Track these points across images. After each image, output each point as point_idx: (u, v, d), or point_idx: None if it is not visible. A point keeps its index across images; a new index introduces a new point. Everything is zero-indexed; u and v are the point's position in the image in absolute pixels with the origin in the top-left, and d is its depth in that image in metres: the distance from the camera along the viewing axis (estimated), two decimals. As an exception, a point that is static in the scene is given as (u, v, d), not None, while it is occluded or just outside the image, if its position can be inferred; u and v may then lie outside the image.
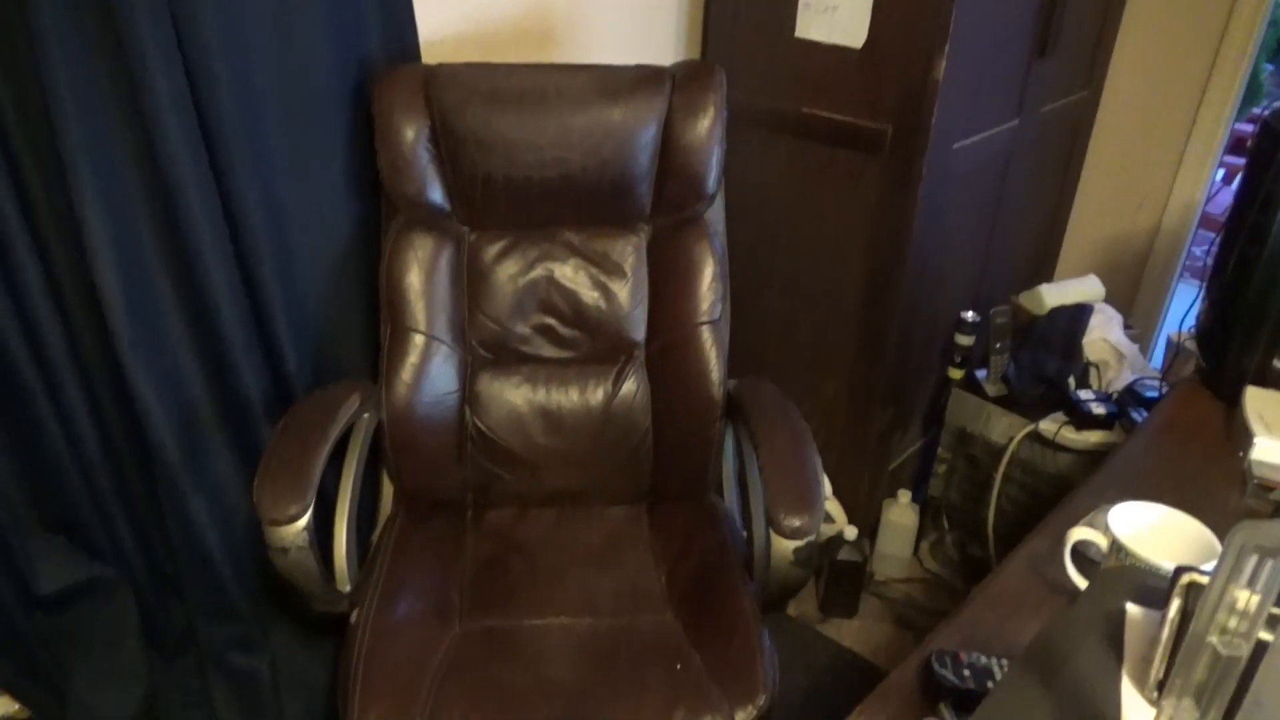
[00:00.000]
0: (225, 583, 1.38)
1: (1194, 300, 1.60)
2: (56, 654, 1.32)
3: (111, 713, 1.32)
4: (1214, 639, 0.42)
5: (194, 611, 1.41)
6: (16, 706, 1.30)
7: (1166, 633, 0.54)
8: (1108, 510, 0.97)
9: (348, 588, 1.28)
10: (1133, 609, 0.63)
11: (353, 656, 1.19)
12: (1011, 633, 0.95)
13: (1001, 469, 1.80)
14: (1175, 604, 0.54)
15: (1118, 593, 0.65)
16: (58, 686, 1.31)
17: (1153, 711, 0.55)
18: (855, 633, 1.91)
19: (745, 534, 1.42)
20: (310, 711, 1.51)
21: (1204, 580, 0.54)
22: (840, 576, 1.91)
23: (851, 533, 1.89)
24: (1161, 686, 0.54)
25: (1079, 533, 0.95)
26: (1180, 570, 0.58)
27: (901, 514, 1.98)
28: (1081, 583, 0.96)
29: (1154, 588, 0.65)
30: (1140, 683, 0.57)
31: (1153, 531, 0.93)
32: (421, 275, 1.45)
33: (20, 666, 1.28)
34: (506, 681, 1.21)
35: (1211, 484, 1.17)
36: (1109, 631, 0.61)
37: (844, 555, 1.88)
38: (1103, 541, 0.94)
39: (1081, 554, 1.01)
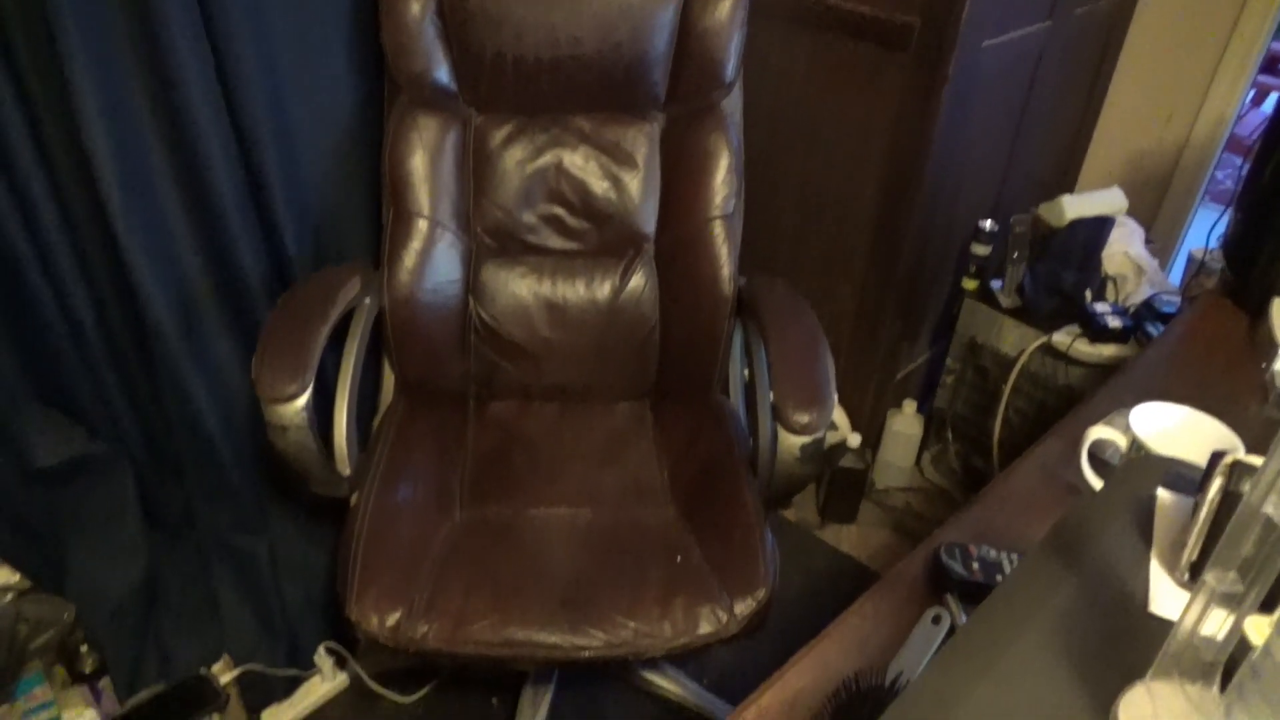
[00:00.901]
0: (225, 464, 1.37)
1: (1221, 214, 1.56)
2: (56, 528, 1.31)
3: (111, 587, 1.32)
4: (1271, 509, 0.39)
5: (194, 492, 1.40)
6: (18, 577, 1.30)
7: (1205, 513, 0.52)
8: (1127, 413, 0.94)
9: (348, 471, 1.26)
10: (1164, 494, 0.61)
11: (352, 538, 1.18)
12: (1022, 531, 0.93)
13: (1011, 381, 1.78)
14: (1216, 483, 0.52)
15: (1147, 479, 0.63)
16: (58, 560, 1.31)
17: (1183, 594, 0.53)
18: (853, 538, 1.92)
19: (751, 434, 1.40)
20: (309, 595, 1.52)
21: (1249, 459, 0.52)
22: (841, 483, 1.90)
23: (855, 440, 1.88)
24: (1195, 569, 0.53)
25: (1098, 431, 0.93)
26: (1218, 453, 0.55)
27: (906, 424, 1.97)
28: (1098, 483, 0.94)
29: (1186, 476, 0.63)
30: (1170, 566, 0.55)
31: (1174, 433, 0.91)
32: (426, 158, 1.40)
33: (20, 539, 1.28)
34: (505, 568, 1.20)
35: (1232, 394, 1.14)
36: (1137, 517, 0.59)
37: (846, 462, 1.88)
38: (1122, 441, 0.92)
39: (1098, 457, 0.99)
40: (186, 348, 1.29)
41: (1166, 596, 0.53)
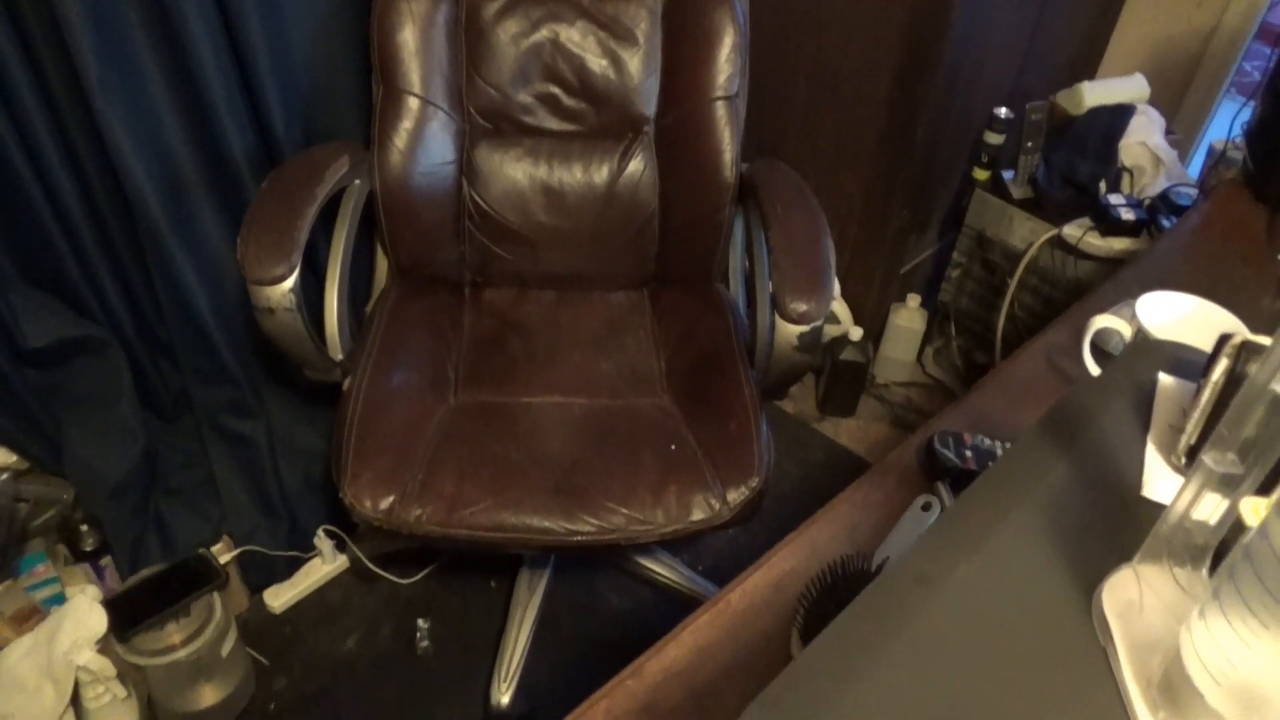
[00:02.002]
0: (217, 346, 1.35)
1: (1244, 104, 1.49)
2: (52, 409, 1.31)
3: (109, 468, 1.32)
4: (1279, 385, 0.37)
5: (187, 375, 1.39)
6: (15, 458, 1.31)
7: (1208, 395, 0.50)
8: (1133, 304, 0.91)
9: (340, 356, 1.25)
10: (1165, 378, 0.59)
11: (345, 422, 1.17)
12: (1019, 420, 0.92)
13: (1018, 275, 1.74)
14: (1223, 364, 0.50)
15: (1150, 363, 0.61)
16: (55, 441, 1.31)
17: (1177, 478, 0.51)
18: (851, 431, 1.92)
19: (749, 323, 1.38)
20: (308, 472, 1.53)
21: (1257, 339, 0.50)
22: (841, 376, 1.89)
23: (856, 334, 1.86)
24: (1192, 453, 0.51)
25: (1102, 320, 0.90)
26: (1226, 335, 0.53)
27: (909, 318, 1.94)
28: (1099, 373, 0.92)
29: (1190, 361, 0.60)
30: (1166, 450, 0.54)
31: (1182, 323, 0.88)
32: (415, 31, 1.33)
33: (16, 420, 1.27)
34: (499, 453, 1.20)
35: (1246, 285, 1.11)
36: (1136, 401, 0.57)
37: (847, 356, 1.86)
38: (1127, 331, 0.89)
39: (1101, 347, 0.96)
40: (173, 229, 1.26)
41: (1160, 480, 0.52)
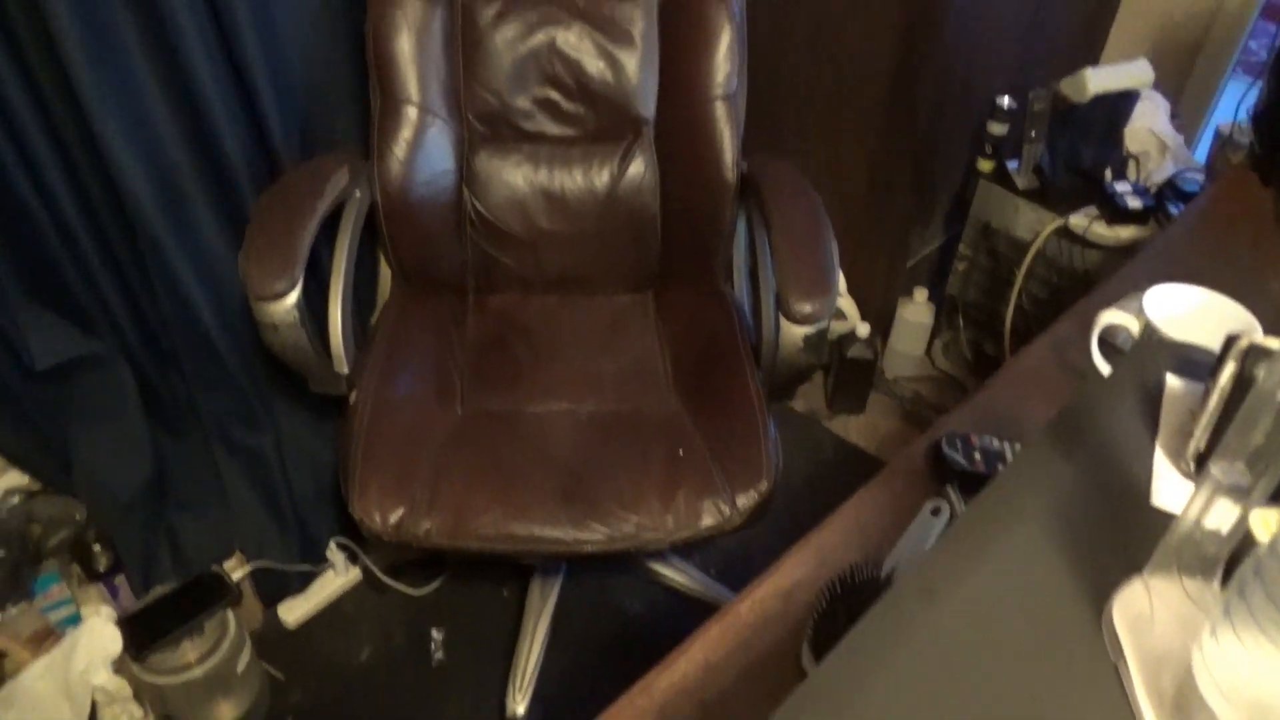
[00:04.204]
0: (223, 358, 1.35)
1: (1250, 85, 1.47)
2: (60, 427, 1.31)
3: (120, 483, 1.33)
4: (1287, 395, 0.36)
5: (195, 387, 1.39)
6: (27, 479, 1.31)
7: (1216, 399, 0.49)
8: (1141, 297, 0.90)
9: (345, 369, 1.25)
10: (1173, 380, 0.58)
11: (352, 436, 1.17)
12: (1028, 416, 0.91)
13: (1025, 265, 1.73)
14: (1230, 368, 0.49)
15: (1157, 364, 0.60)
16: (64, 458, 1.32)
17: (1186, 485, 0.51)
18: (861, 428, 1.91)
19: (754, 323, 1.37)
20: (318, 484, 1.53)
21: (1266, 342, 0.49)
22: (850, 373, 1.88)
23: (864, 330, 1.85)
24: (1201, 459, 0.50)
25: (1109, 315, 0.89)
26: (1233, 336, 0.52)
27: (916, 312, 1.93)
28: (1107, 370, 0.91)
29: (1197, 361, 0.60)
30: (1175, 456, 0.53)
31: (1191, 316, 0.87)
32: (411, 39, 1.33)
33: (25, 440, 1.28)
34: (507, 460, 1.20)
35: (1257, 271, 1.10)
36: (1144, 403, 0.56)
37: (854, 352, 1.85)
38: (1134, 326, 0.88)
39: (1109, 342, 0.95)
40: (173, 238, 1.26)
41: (1169, 488, 0.51)
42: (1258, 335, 0.78)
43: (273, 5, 1.24)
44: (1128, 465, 0.53)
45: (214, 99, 1.21)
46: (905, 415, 1.94)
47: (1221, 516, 0.42)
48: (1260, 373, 0.43)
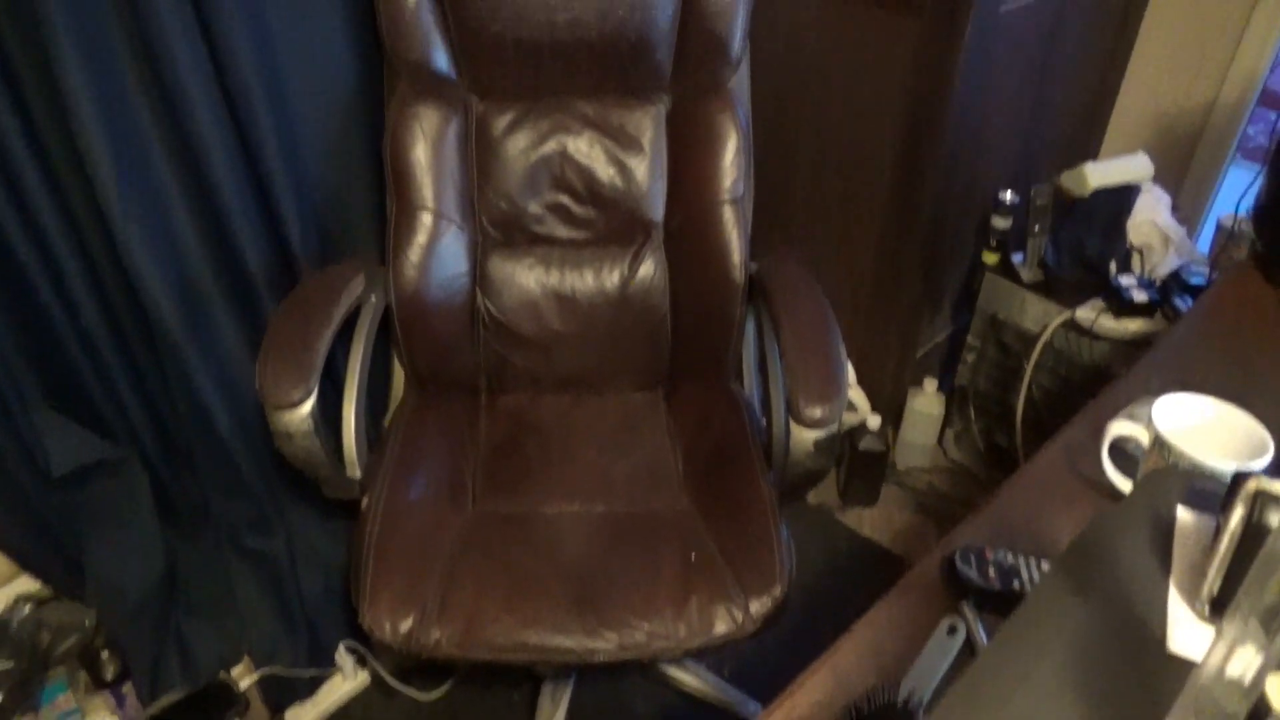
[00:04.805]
0: (237, 460, 1.36)
1: (1251, 182, 1.49)
2: (73, 530, 1.32)
3: (130, 586, 1.33)
4: (1294, 560, 0.36)
5: (208, 488, 1.40)
6: (38, 585, 1.31)
7: (1226, 544, 0.49)
8: (1150, 402, 0.91)
9: (358, 474, 1.25)
10: (1184, 513, 0.58)
11: (363, 542, 1.17)
12: (1042, 528, 0.90)
13: (1034, 357, 1.74)
14: (1238, 513, 0.49)
15: (1166, 494, 0.60)
16: (77, 563, 1.32)
17: (1205, 627, 0.50)
18: (875, 521, 1.90)
19: (765, 421, 1.37)
20: (329, 585, 1.52)
21: (1273, 488, 0.49)
22: (862, 465, 1.87)
23: (875, 422, 1.85)
24: (1215, 602, 0.50)
25: (1119, 426, 0.89)
26: (1242, 475, 0.52)
27: (927, 402, 1.93)
28: (1120, 481, 0.91)
29: (1207, 491, 0.60)
30: (1190, 595, 0.52)
31: (1200, 427, 0.87)
32: (428, 149, 1.37)
33: (38, 545, 1.28)
34: (518, 565, 1.19)
35: (1264, 373, 1.10)
36: (1156, 536, 0.56)
37: (866, 445, 1.85)
38: (1144, 437, 0.88)
39: (1120, 449, 0.95)
40: (193, 344, 1.28)
41: (1186, 632, 0.51)
42: (1269, 452, 0.79)
43: (295, 115, 1.29)
44: (1143, 605, 0.52)
45: (236, 208, 1.25)
46: (919, 507, 1.93)
47: (1239, 668, 0.42)
48: (1272, 520, 0.43)
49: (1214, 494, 0.56)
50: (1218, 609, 0.49)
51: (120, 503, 1.35)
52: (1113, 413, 0.97)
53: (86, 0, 1.04)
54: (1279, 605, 0.40)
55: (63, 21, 1.03)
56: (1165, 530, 0.57)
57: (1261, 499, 0.48)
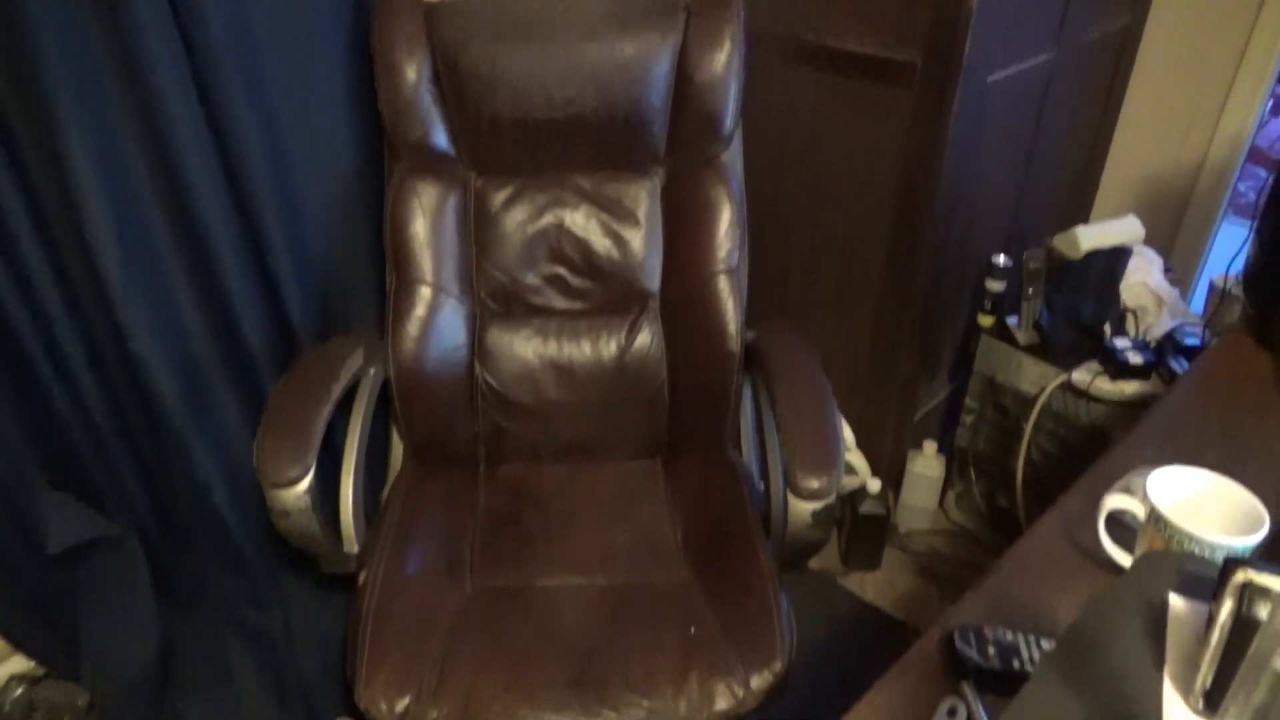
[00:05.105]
0: (234, 536, 1.36)
1: (1243, 243, 1.51)
2: (68, 608, 1.31)
3: (125, 665, 1.32)
4: (1280, 664, 0.36)
5: (205, 565, 1.39)
6: (31, 665, 1.30)
7: (1217, 638, 0.49)
8: (1145, 474, 0.91)
9: (355, 548, 1.25)
10: (1176, 601, 0.58)
11: (360, 618, 1.17)
12: (1040, 604, 0.90)
13: (1032, 420, 1.74)
14: (1227, 605, 0.49)
15: (1159, 580, 0.60)
16: (71, 641, 1.31)
17: (1198, 720, 0.50)
18: (878, 585, 1.88)
19: (764, 489, 1.37)
20: (326, 663, 1.51)
21: (1263, 582, 0.49)
22: (863, 530, 1.86)
23: (875, 485, 1.85)
24: (1209, 696, 0.49)
25: (1114, 500, 0.89)
26: (1231, 563, 0.52)
27: (927, 465, 1.93)
28: (1117, 554, 0.90)
29: (1200, 575, 0.60)
30: (1184, 687, 0.52)
31: (1195, 499, 0.87)
32: (427, 224, 1.39)
33: (33, 623, 1.28)
34: (517, 640, 1.18)
35: (1258, 440, 1.10)
36: (1149, 625, 0.56)
37: (867, 508, 1.84)
38: (1140, 510, 0.88)
39: (1117, 520, 0.95)
40: (192, 423, 1.29)
41: (1181, 724, 0.50)
42: (1264, 526, 0.78)
43: (297, 191, 1.31)
44: (1138, 698, 0.52)
45: (237, 287, 1.27)
46: (922, 571, 1.91)
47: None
48: (1261, 612, 0.43)
49: (1206, 579, 0.56)
50: (1211, 703, 0.48)
51: (117, 580, 1.34)
52: (1109, 481, 0.97)
53: (92, 82, 1.07)
54: (1270, 705, 0.39)
55: (68, 99, 1.05)
56: (1159, 618, 0.56)
57: (1249, 590, 0.48)
